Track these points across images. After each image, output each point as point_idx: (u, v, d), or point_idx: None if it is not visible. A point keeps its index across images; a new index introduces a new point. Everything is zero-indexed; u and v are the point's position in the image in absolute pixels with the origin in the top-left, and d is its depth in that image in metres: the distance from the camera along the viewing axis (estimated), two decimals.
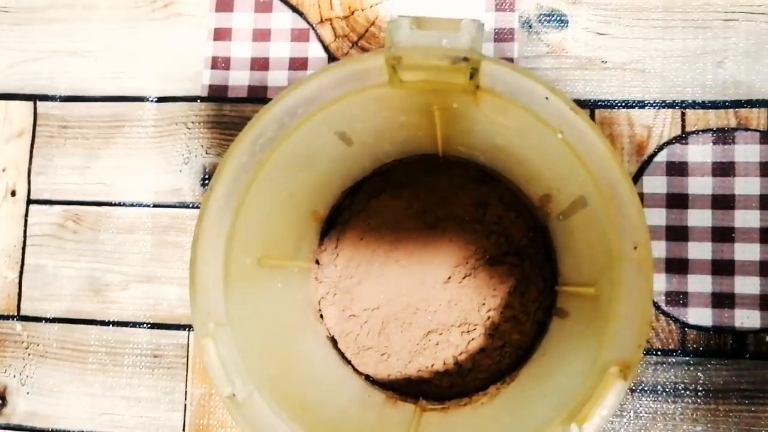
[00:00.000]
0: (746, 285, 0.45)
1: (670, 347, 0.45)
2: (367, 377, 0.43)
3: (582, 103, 0.47)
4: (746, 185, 0.45)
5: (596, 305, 0.32)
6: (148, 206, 0.50)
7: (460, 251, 0.42)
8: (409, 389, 0.43)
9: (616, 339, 0.28)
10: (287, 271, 0.40)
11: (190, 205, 0.50)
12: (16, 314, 0.51)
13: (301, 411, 0.32)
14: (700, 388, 0.45)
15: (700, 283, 0.45)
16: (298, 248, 0.42)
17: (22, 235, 0.51)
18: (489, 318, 0.42)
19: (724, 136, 0.46)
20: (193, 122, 0.50)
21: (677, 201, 0.46)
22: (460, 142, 0.40)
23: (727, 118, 0.46)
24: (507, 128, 0.32)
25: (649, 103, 0.47)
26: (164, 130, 0.50)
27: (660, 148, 0.46)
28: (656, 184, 0.46)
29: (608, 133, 0.47)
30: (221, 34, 0.51)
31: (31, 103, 0.52)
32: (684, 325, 0.45)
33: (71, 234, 0.51)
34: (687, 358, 0.45)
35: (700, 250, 0.45)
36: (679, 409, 0.45)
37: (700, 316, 0.45)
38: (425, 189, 0.44)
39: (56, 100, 0.52)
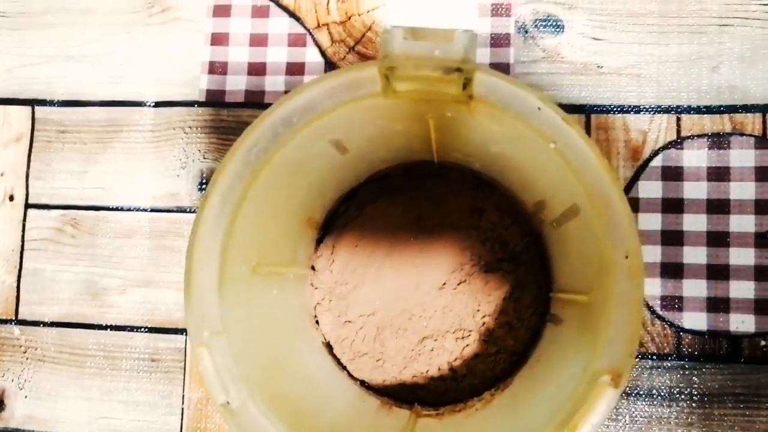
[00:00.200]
0: (741, 289, 0.45)
1: (665, 351, 0.45)
2: (363, 383, 0.43)
3: (578, 108, 0.47)
4: (741, 190, 0.46)
5: (589, 313, 0.32)
6: (146, 211, 0.50)
7: (455, 257, 0.42)
8: (404, 395, 0.43)
9: (608, 347, 0.28)
10: (283, 278, 0.40)
11: (188, 210, 0.50)
12: (14, 318, 0.51)
13: (296, 418, 0.32)
14: (695, 392, 0.45)
15: (695, 288, 0.45)
16: (293, 254, 0.42)
17: (20, 239, 0.51)
18: (484, 324, 0.42)
19: (719, 140, 0.46)
20: (190, 127, 0.50)
21: (672, 205, 0.46)
22: (454, 150, 0.40)
23: (722, 123, 0.46)
24: (501, 137, 0.32)
25: (644, 108, 0.47)
26: (162, 135, 0.51)
27: (655, 153, 0.47)
28: (652, 188, 0.46)
29: (604, 138, 0.47)
30: (218, 39, 0.51)
31: (29, 108, 0.52)
32: (679, 330, 0.45)
33: (69, 238, 0.51)
34: (682, 363, 0.45)
35: (695, 255, 0.46)
36: (674, 413, 0.45)
37: (695, 320, 0.45)
38: (421, 195, 0.44)
39: (54, 105, 0.52)
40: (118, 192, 0.51)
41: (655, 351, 0.45)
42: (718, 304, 0.45)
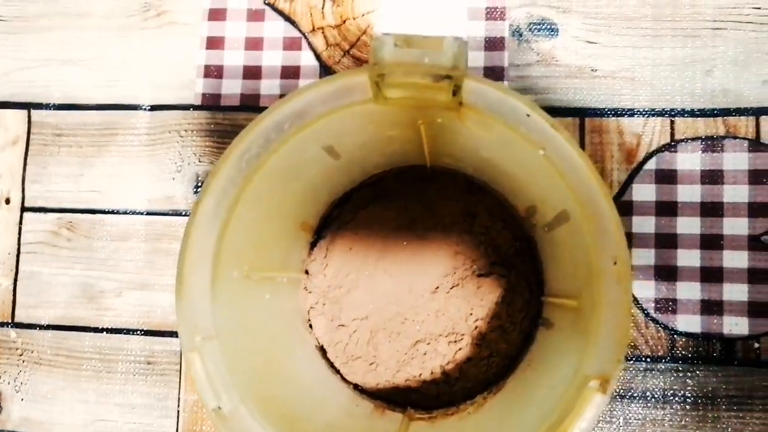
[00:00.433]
0: (735, 292, 0.45)
1: (659, 354, 0.45)
2: (356, 386, 0.44)
3: (572, 111, 0.47)
4: (734, 193, 0.46)
5: (579, 317, 0.32)
6: (142, 214, 0.50)
7: (448, 261, 0.43)
8: (397, 398, 0.43)
9: (596, 352, 0.28)
10: (276, 282, 0.41)
11: (183, 213, 0.50)
12: (10, 321, 0.51)
13: (289, 422, 0.32)
14: (689, 395, 0.45)
15: (689, 291, 0.46)
16: (287, 258, 0.42)
17: (16, 242, 0.52)
18: (476, 328, 0.42)
19: (712, 144, 0.46)
20: (186, 130, 0.50)
21: (666, 209, 0.46)
22: (446, 155, 0.40)
23: (715, 126, 0.46)
24: (491, 143, 0.32)
25: (638, 111, 0.47)
26: (157, 138, 0.51)
27: (649, 156, 0.47)
28: (645, 191, 0.46)
29: (598, 141, 0.47)
30: (214, 43, 0.51)
31: (25, 111, 0.52)
32: (673, 332, 0.45)
33: (65, 241, 0.51)
34: (676, 365, 0.45)
35: (689, 258, 0.46)
36: (668, 415, 0.45)
37: (689, 323, 0.45)
38: (414, 199, 0.44)
39: (50, 108, 0.52)
40: (114, 195, 0.51)
41: (649, 353, 0.45)
42: (711, 307, 0.45)
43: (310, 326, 0.44)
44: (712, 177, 0.46)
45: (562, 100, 0.48)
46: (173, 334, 0.49)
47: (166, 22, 0.52)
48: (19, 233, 0.52)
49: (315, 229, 0.45)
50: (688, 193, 0.46)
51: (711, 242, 0.46)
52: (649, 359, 0.45)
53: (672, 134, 0.47)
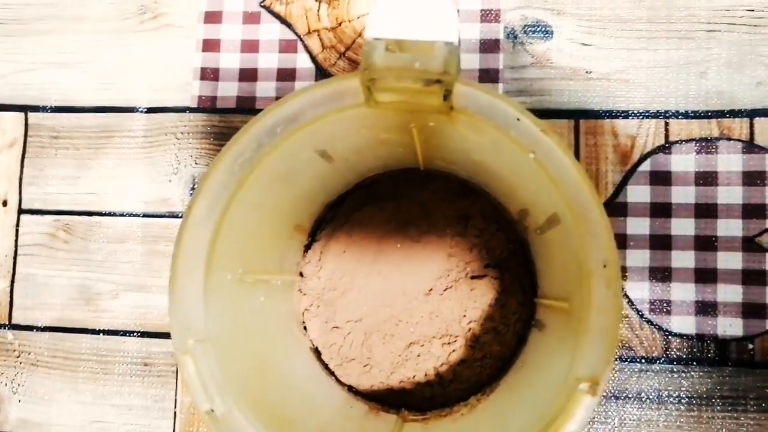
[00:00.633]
0: (729, 293, 0.45)
1: (653, 355, 0.46)
2: (350, 388, 0.44)
3: (566, 113, 0.48)
4: (729, 194, 0.46)
5: (570, 319, 0.32)
6: (138, 216, 0.51)
7: (441, 263, 0.43)
8: (391, 400, 0.43)
9: (586, 355, 0.28)
10: (270, 284, 0.41)
11: (180, 215, 0.50)
12: (7, 323, 0.51)
13: (283, 424, 0.32)
14: (684, 396, 0.45)
15: (683, 292, 0.46)
16: (281, 261, 0.42)
17: (13, 244, 0.52)
18: (470, 329, 0.42)
19: (707, 145, 0.46)
20: (182, 133, 0.51)
21: (661, 210, 0.46)
22: (439, 158, 0.40)
23: (709, 128, 0.47)
24: (482, 146, 0.32)
25: (633, 113, 0.47)
26: (154, 141, 0.51)
27: (644, 158, 0.47)
28: (640, 193, 0.47)
29: (593, 143, 0.47)
30: (210, 45, 0.51)
31: (22, 114, 0.53)
32: (667, 333, 0.46)
33: (62, 243, 0.51)
34: (670, 366, 0.45)
35: (683, 259, 0.46)
36: (663, 416, 0.45)
37: (684, 324, 0.46)
38: (407, 202, 0.44)
39: (47, 111, 0.52)
40: (111, 197, 0.51)
41: (644, 354, 0.46)
42: (706, 308, 0.45)
43: (305, 328, 0.44)
44: (707, 178, 0.46)
45: (556, 102, 0.48)
46: (170, 335, 0.49)
47: (162, 24, 0.52)
48: (16, 235, 0.52)
49: (309, 232, 0.45)
50: (683, 194, 0.46)
51: (705, 243, 0.46)
52: (643, 360, 0.46)
53: (666, 136, 0.47)
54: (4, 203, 0.52)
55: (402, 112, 0.31)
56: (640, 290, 0.46)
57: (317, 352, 0.44)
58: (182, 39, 0.52)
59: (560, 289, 0.35)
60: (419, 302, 0.43)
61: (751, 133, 0.46)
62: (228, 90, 0.51)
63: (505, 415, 0.36)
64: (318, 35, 0.50)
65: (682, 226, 0.46)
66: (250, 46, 0.51)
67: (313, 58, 0.50)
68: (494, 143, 0.31)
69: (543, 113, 0.47)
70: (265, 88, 0.50)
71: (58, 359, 0.50)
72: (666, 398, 0.45)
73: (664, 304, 0.46)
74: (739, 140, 0.46)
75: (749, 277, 0.45)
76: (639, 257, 0.46)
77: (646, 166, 0.47)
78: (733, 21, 0.47)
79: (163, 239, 0.50)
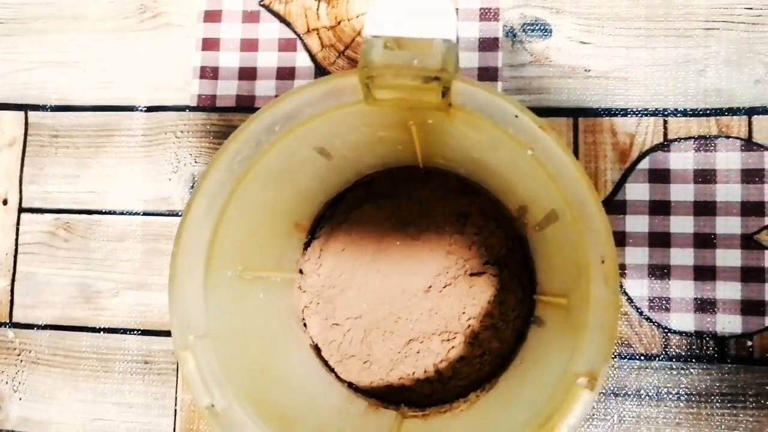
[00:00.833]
0: (728, 290, 0.45)
1: (652, 352, 0.46)
2: (350, 385, 0.44)
3: (565, 111, 0.48)
4: (727, 192, 0.46)
5: (568, 315, 0.32)
6: (138, 214, 0.51)
7: (440, 261, 0.43)
8: (390, 396, 0.43)
9: (585, 350, 0.28)
10: (270, 281, 0.41)
11: (179, 213, 0.50)
12: (8, 321, 0.51)
13: (282, 420, 0.32)
14: (683, 392, 0.45)
15: (682, 289, 0.46)
16: (280, 259, 0.42)
17: (13, 243, 0.52)
18: (469, 326, 0.42)
19: (705, 143, 0.46)
20: (182, 131, 0.51)
21: (660, 208, 0.46)
22: (438, 155, 0.40)
23: (708, 126, 0.47)
24: (481, 144, 0.32)
25: (631, 111, 0.47)
26: (153, 139, 0.51)
27: (642, 156, 0.47)
28: (639, 191, 0.47)
29: (591, 141, 0.47)
30: (209, 44, 0.51)
31: (22, 113, 0.53)
32: (666, 330, 0.46)
33: (62, 242, 0.51)
34: (670, 363, 0.45)
35: (682, 256, 0.46)
36: (662, 413, 0.45)
37: (683, 321, 0.46)
38: (406, 200, 0.45)
39: (47, 110, 0.52)
40: (111, 196, 0.51)
41: (643, 351, 0.46)
42: (705, 305, 0.45)
43: (305, 325, 0.45)
44: (705, 176, 0.46)
45: (555, 100, 0.48)
46: (170, 333, 0.49)
47: (162, 23, 0.52)
48: (17, 234, 0.52)
49: (308, 230, 0.45)
50: (681, 192, 0.46)
51: (704, 241, 0.46)
52: (643, 357, 0.46)
53: (665, 134, 0.47)
54: (5, 202, 0.52)
55: (400, 109, 0.31)
56: (640, 288, 0.46)
57: (317, 349, 0.44)
58: (182, 38, 0.52)
59: (559, 286, 0.35)
60: (418, 299, 0.43)
61: (750, 131, 0.46)
62: (227, 89, 0.51)
63: (504, 410, 0.36)
64: (317, 34, 0.51)
65: (681, 224, 0.46)
66: (249, 45, 0.51)
67: (313, 57, 0.50)
68: (493, 140, 0.31)
69: (542, 111, 0.48)
70: (264, 86, 0.51)
71: (58, 357, 0.50)
72: (665, 395, 0.45)
73: (663, 302, 0.46)
74: (737, 138, 0.46)
75: (748, 275, 0.45)
76: (638, 255, 0.46)
77: (644, 164, 0.47)
78: (732, 19, 0.47)
79: (163, 237, 0.50)
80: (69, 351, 0.50)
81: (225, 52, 0.51)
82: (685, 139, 0.47)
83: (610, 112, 0.47)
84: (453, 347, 0.42)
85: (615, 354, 0.46)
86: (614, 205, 0.47)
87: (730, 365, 0.45)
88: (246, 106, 0.50)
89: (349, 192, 0.46)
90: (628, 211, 0.47)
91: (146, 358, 0.50)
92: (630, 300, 0.46)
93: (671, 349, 0.46)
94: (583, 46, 0.48)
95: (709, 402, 0.45)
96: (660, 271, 0.46)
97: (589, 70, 0.48)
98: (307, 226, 0.45)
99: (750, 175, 0.46)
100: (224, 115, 0.51)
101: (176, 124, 0.51)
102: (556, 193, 0.29)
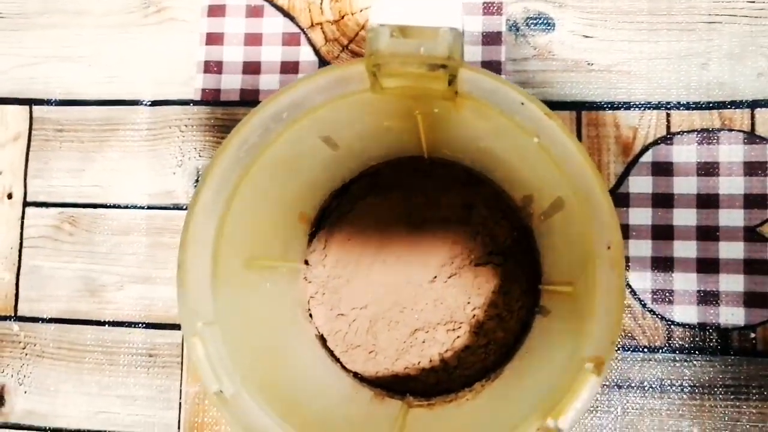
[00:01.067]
0: (731, 283, 0.46)
1: (656, 344, 0.46)
2: (356, 374, 0.44)
3: (568, 105, 0.48)
4: (730, 185, 0.46)
5: (574, 303, 0.33)
6: (143, 208, 0.51)
7: (445, 251, 0.43)
8: (396, 386, 0.43)
9: (591, 335, 0.28)
10: (276, 271, 0.41)
11: (184, 207, 0.50)
12: (13, 315, 0.51)
13: (289, 407, 0.33)
14: (686, 384, 0.45)
15: (685, 281, 0.46)
16: (286, 249, 0.42)
17: (18, 237, 0.52)
18: (474, 316, 0.42)
19: (708, 136, 0.47)
20: (186, 125, 0.51)
21: (663, 200, 0.47)
22: (443, 145, 0.40)
23: (711, 119, 0.47)
24: (487, 132, 0.32)
25: (634, 104, 0.48)
26: (158, 134, 0.51)
27: (645, 149, 0.47)
28: (642, 184, 0.47)
29: (594, 134, 0.47)
30: (213, 39, 0.51)
31: (26, 108, 0.53)
32: (670, 323, 0.46)
33: (67, 236, 0.51)
34: (673, 355, 0.46)
35: (685, 249, 0.46)
36: (666, 404, 0.45)
37: (686, 313, 0.46)
38: (411, 190, 0.45)
39: (51, 104, 0.53)
40: (116, 190, 0.51)
41: (646, 344, 0.46)
42: (708, 298, 0.46)
43: (310, 315, 0.45)
44: (708, 169, 0.46)
45: (558, 93, 0.48)
46: (175, 326, 0.50)
47: (166, 18, 0.52)
48: (22, 228, 0.52)
49: (314, 221, 0.45)
50: (684, 185, 0.46)
51: (707, 233, 0.46)
52: (646, 349, 0.46)
53: (668, 127, 0.47)
54: (9, 196, 0.52)
55: (407, 98, 0.32)
56: (643, 280, 0.46)
57: (323, 339, 0.44)
58: (186, 32, 0.52)
59: (565, 274, 0.36)
60: (424, 289, 0.43)
61: (752, 124, 0.46)
62: (231, 83, 0.51)
63: (510, 399, 0.36)
64: (321, 28, 0.51)
65: (684, 217, 0.46)
66: (253, 40, 0.51)
67: (316, 51, 0.51)
68: (498, 128, 0.31)
69: (545, 105, 0.48)
70: (268, 81, 0.51)
71: (63, 351, 0.51)
72: (668, 387, 0.45)
73: (667, 294, 0.46)
74: (740, 131, 0.46)
75: (751, 267, 0.46)
76: (641, 247, 0.46)
77: (647, 157, 0.47)
78: (734, 12, 0.47)
79: (168, 231, 0.50)
80: (74, 344, 0.51)
81: (229, 47, 0.51)
82: (688, 132, 0.47)
83: (613, 106, 0.48)
84: (458, 337, 0.42)
85: (618, 346, 0.46)
86: (617, 198, 0.47)
87: (733, 357, 0.45)
88: (250, 100, 0.51)
89: (354, 183, 0.46)
90: (632, 204, 0.47)
91: (151, 351, 0.50)
92: (633, 292, 0.46)
93: (674, 342, 0.46)
94: (586, 40, 0.48)
95: (712, 394, 0.45)
96: (663, 264, 0.46)
97: (592, 64, 0.48)
98: (312, 217, 0.45)
99: (753, 168, 0.46)
100: (228, 109, 0.51)
101: (180, 118, 0.51)
102: (561, 180, 0.29)
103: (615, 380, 0.46)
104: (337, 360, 0.44)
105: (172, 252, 0.50)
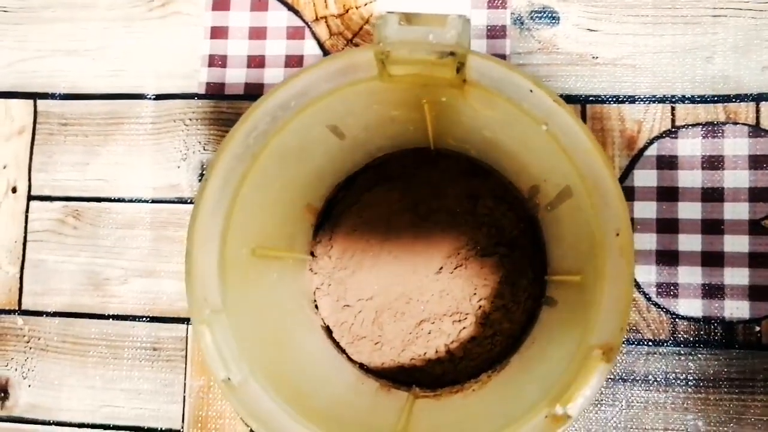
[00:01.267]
0: (735, 276, 0.46)
1: (661, 338, 0.46)
2: (361, 365, 0.44)
3: (573, 99, 0.48)
4: (735, 178, 0.46)
5: (582, 292, 0.33)
6: (147, 202, 0.51)
7: (451, 242, 0.43)
8: (402, 377, 0.43)
9: (600, 323, 0.28)
10: (283, 262, 0.41)
11: (188, 201, 0.50)
12: (17, 308, 0.51)
13: (296, 397, 0.32)
14: (691, 378, 0.45)
15: (690, 275, 0.46)
16: (292, 240, 0.42)
17: (23, 230, 0.52)
18: (480, 307, 0.42)
19: (713, 130, 0.47)
20: (190, 119, 0.51)
21: (668, 194, 0.46)
22: (450, 136, 0.40)
23: (716, 113, 0.47)
24: (495, 121, 0.32)
25: (639, 98, 0.48)
26: (162, 127, 0.51)
27: (650, 142, 0.47)
28: (647, 177, 0.47)
29: (599, 128, 0.47)
30: (218, 33, 0.52)
31: (31, 101, 0.53)
32: (675, 316, 0.46)
33: (71, 229, 0.51)
34: (678, 348, 0.46)
35: (690, 242, 0.46)
36: (670, 398, 0.45)
37: (691, 306, 0.46)
38: (417, 182, 0.45)
39: (56, 98, 0.52)
40: (120, 183, 0.51)
41: (651, 337, 0.46)
42: (713, 291, 0.46)
43: (316, 307, 0.45)
44: (713, 162, 0.46)
45: (563, 87, 0.48)
46: (179, 320, 0.50)
47: (170, 12, 0.52)
48: (26, 221, 0.52)
49: (320, 212, 0.45)
50: (689, 178, 0.46)
51: (712, 227, 0.46)
52: (651, 343, 0.46)
53: (673, 120, 0.47)
54: (14, 190, 0.52)
55: (414, 86, 0.32)
56: (648, 274, 0.46)
57: (328, 330, 0.44)
58: (190, 26, 0.52)
59: (571, 263, 0.36)
60: (430, 280, 0.43)
61: (757, 117, 0.46)
62: (236, 77, 0.51)
63: (516, 389, 0.36)
64: (325, 22, 0.51)
65: (689, 210, 0.46)
66: (257, 33, 0.51)
67: (321, 45, 0.51)
68: (506, 117, 0.31)
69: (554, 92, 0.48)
70: (272, 74, 0.51)
71: (67, 344, 0.50)
72: (673, 380, 0.45)
73: (671, 288, 0.46)
74: (745, 124, 0.46)
75: (756, 260, 0.45)
76: (646, 241, 0.46)
77: (652, 151, 0.47)
78: (739, 6, 0.47)
79: (172, 225, 0.50)
80: (78, 338, 0.50)
81: (233, 41, 0.51)
82: (693, 125, 0.47)
83: (618, 99, 0.48)
84: (464, 328, 0.42)
85: (623, 340, 0.46)
86: (622, 192, 0.47)
87: (738, 350, 0.45)
88: (254, 94, 0.50)
89: (360, 174, 0.46)
90: (636, 198, 0.47)
91: (155, 345, 0.50)
92: (638, 286, 0.46)
93: (679, 335, 0.46)
94: (590, 34, 0.48)
95: (717, 387, 0.45)
96: (668, 257, 0.46)
97: (596, 58, 0.48)
98: (318, 208, 0.45)
99: (757, 161, 0.46)
100: (233, 103, 0.51)
101: (185, 112, 0.51)
102: (570, 168, 0.29)
103: (620, 374, 0.46)
104: (343, 351, 0.44)
105: (177, 245, 0.50)
